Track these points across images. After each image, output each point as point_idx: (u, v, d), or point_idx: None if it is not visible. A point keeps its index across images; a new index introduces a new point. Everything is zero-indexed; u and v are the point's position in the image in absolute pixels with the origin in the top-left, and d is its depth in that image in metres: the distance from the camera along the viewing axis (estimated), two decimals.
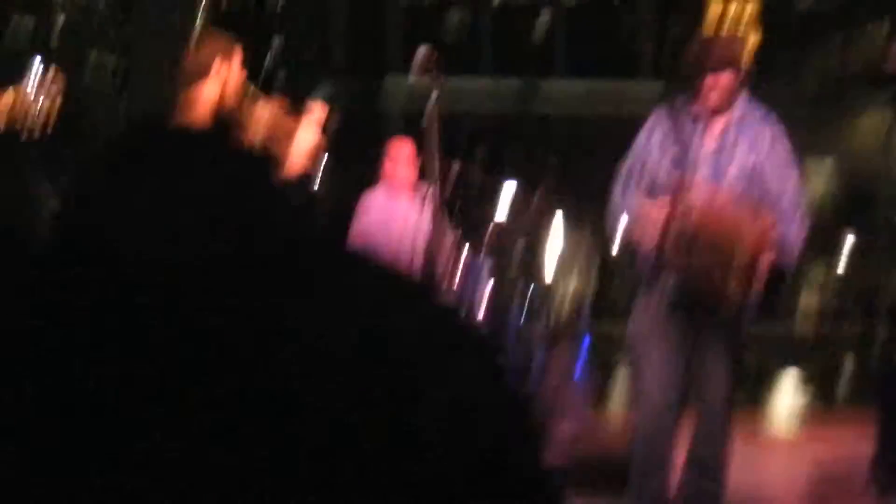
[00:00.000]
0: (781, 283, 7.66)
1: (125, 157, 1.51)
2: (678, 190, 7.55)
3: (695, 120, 7.90)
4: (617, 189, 7.99)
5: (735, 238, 7.43)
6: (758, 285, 7.39)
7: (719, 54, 8.02)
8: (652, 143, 7.95)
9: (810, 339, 36.65)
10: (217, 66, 8.39)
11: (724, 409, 8.05)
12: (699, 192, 7.59)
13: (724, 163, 7.81)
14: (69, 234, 1.35)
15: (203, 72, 8.48)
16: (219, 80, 8.40)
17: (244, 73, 8.50)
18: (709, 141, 7.87)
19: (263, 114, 8.57)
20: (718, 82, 7.85)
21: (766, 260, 7.42)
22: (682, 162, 7.72)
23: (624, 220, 7.91)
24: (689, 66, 8.04)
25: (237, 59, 8.47)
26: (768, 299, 7.54)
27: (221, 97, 8.40)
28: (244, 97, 8.50)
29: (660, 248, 7.64)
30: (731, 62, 7.97)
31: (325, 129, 9.11)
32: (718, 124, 7.91)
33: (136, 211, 1.40)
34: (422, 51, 8.80)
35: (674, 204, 7.50)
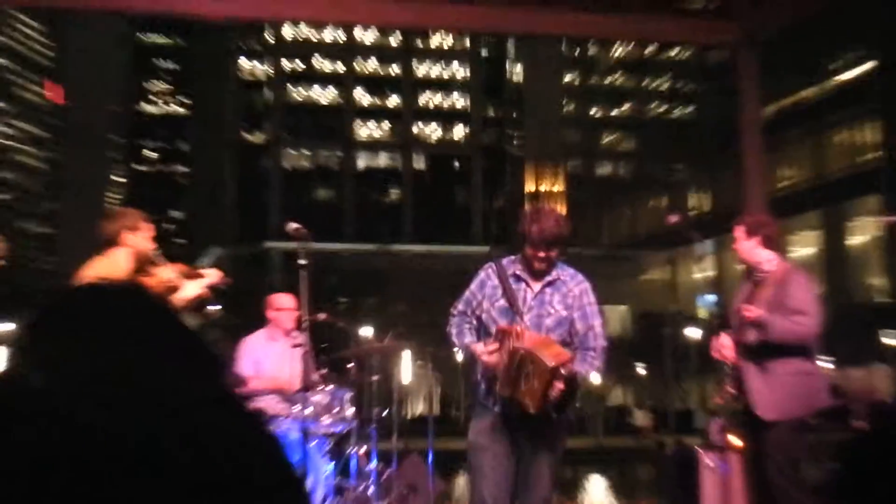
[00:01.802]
0: (570, 402, 7.85)
1: (50, 319, 1.43)
2: (505, 335, 7.73)
3: (519, 279, 8.06)
4: (453, 328, 8.14)
5: (539, 369, 7.64)
6: (552, 403, 7.62)
7: (552, 233, 8.16)
8: (484, 291, 8.08)
9: (612, 451, 36.64)
10: (124, 237, 8.52)
11: None
12: (523, 336, 7.77)
13: (544, 314, 7.99)
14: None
15: (113, 241, 8.62)
16: (127, 249, 8.50)
17: (151, 243, 8.58)
18: (530, 296, 8.03)
19: (164, 275, 8.64)
20: (549, 254, 8.04)
21: (557, 385, 7.61)
22: (510, 310, 7.90)
23: (460, 354, 8.06)
24: (520, 236, 8.16)
25: (144, 231, 8.55)
26: (561, 413, 7.76)
27: (132, 261, 8.47)
28: (149, 262, 8.55)
29: (489, 378, 7.86)
30: (560, 241, 8.12)
31: (216, 287, 9.21)
32: (539, 282, 8.08)
33: (58, 369, 1.34)
34: (291, 223, 9.07)
35: (501, 346, 7.70)
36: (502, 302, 8.04)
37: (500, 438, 7.99)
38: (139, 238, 8.56)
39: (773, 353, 8.69)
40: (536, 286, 8.15)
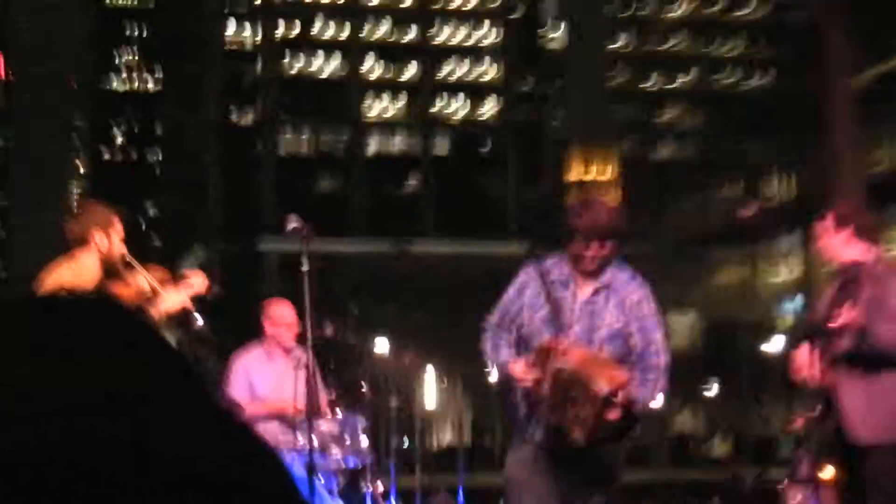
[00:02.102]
0: (629, 432, 7.87)
1: (9, 331, 1.46)
2: (548, 353, 7.72)
3: (566, 281, 8.03)
4: (487, 342, 8.11)
5: (589, 395, 7.64)
6: (606, 435, 7.64)
7: (604, 224, 8.18)
8: (523, 298, 8.07)
9: (679, 485, 36.66)
10: (94, 236, 8.52)
11: None
12: (571, 350, 7.76)
13: (595, 324, 7.98)
14: None
15: (81, 242, 8.61)
16: (97, 250, 8.51)
17: (121, 243, 8.58)
18: (579, 304, 8.01)
19: (139, 281, 8.66)
20: (601, 251, 8.03)
21: (613, 413, 7.61)
22: (554, 321, 7.88)
23: (495, 373, 8.06)
24: (566, 232, 8.15)
25: (116, 229, 8.55)
26: (617, 446, 7.79)
27: (102, 266, 8.48)
28: (122, 267, 8.57)
29: (531, 402, 7.84)
30: (615, 233, 8.13)
31: (202, 297, 9.24)
32: (589, 286, 8.05)
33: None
34: (290, 218, 9.05)
35: (542, 363, 7.68)
36: (545, 311, 8.03)
37: (543, 473, 7.99)
38: (111, 238, 8.56)
39: (871, 366, 8.58)
40: (586, 291, 8.14)
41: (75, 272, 8.39)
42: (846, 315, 8.49)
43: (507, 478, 8.21)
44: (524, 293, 8.14)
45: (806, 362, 8.81)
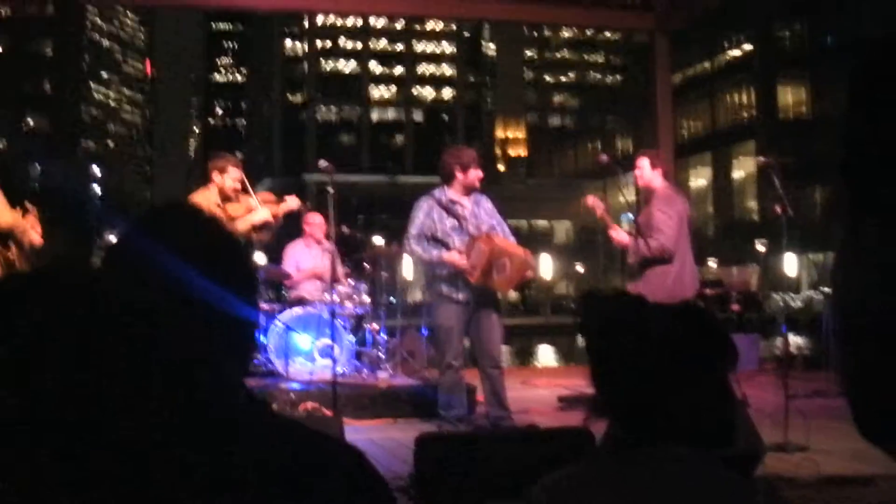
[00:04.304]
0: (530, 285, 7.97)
1: (147, 223, 1.45)
2: (477, 240, 7.72)
3: (453, 202, 8.02)
4: (417, 247, 8.00)
5: (516, 261, 7.72)
6: (520, 284, 7.81)
7: (478, 159, 8.26)
8: (432, 216, 8.01)
9: (556, 326, 36.53)
10: (213, 176, 8.53)
11: (499, 363, 8.22)
12: (493, 237, 7.80)
13: (480, 223, 7.98)
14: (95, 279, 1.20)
15: (206, 178, 8.69)
16: (215, 185, 8.51)
17: (239, 177, 8.55)
18: (467, 213, 8.03)
19: (248, 202, 8.64)
20: (482, 177, 8.12)
21: (528, 273, 7.72)
22: (459, 226, 7.90)
23: (430, 262, 8.02)
24: (459, 166, 8.12)
25: (227, 170, 8.52)
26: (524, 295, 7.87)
27: (219, 195, 8.48)
28: (233, 193, 8.54)
29: (452, 275, 7.82)
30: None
31: (296, 210, 9.27)
32: (468, 202, 8.07)
33: (143, 266, 1.33)
34: (322, 161, 9.05)
35: (469, 250, 7.71)
36: (451, 221, 7.99)
37: (463, 319, 7.96)
38: (225, 178, 8.54)
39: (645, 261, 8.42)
40: (469, 205, 8.11)
41: (200, 198, 8.37)
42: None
43: (438, 325, 8.11)
44: (431, 214, 8.06)
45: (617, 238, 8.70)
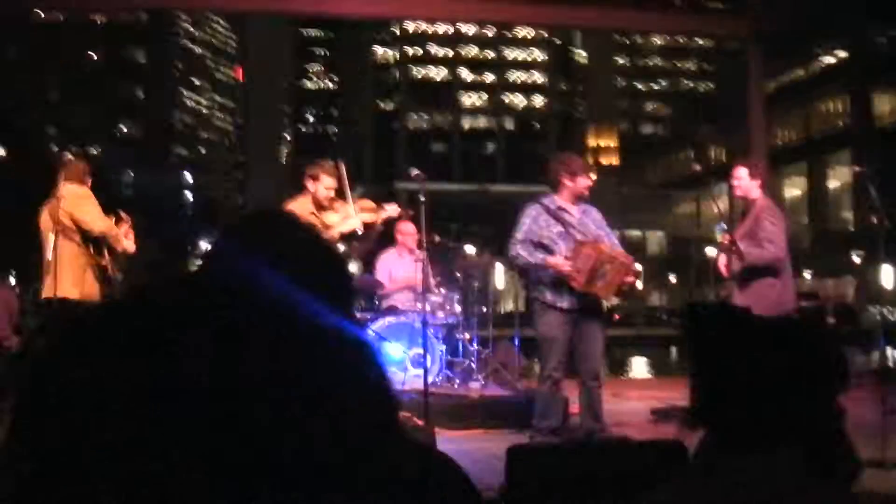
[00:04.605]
0: (632, 292, 7.95)
1: (241, 230, 1.45)
2: (583, 245, 7.73)
3: (562, 209, 8.01)
4: (522, 251, 8.00)
5: (618, 267, 7.72)
6: (623, 292, 7.80)
7: (588, 167, 8.26)
8: (539, 222, 8.00)
9: (650, 337, 36.28)
10: (308, 184, 8.61)
11: (598, 376, 8.19)
12: (598, 244, 7.82)
13: (587, 232, 7.95)
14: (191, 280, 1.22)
15: (302, 185, 8.78)
16: (310, 193, 8.60)
17: (332, 185, 8.62)
18: (575, 221, 8.01)
19: (343, 211, 8.72)
20: (590, 185, 8.10)
21: (630, 277, 7.74)
22: (565, 233, 7.88)
23: (534, 267, 8.00)
24: (567, 174, 8.12)
25: (320, 178, 8.59)
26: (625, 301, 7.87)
27: (313, 204, 8.56)
28: (327, 201, 8.61)
29: (556, 281, 7.81)
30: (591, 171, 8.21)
31: (396, 217, 9.36)
32: (576, 210, 8.06)
33: (241, 269, 1.32)
34: (413, 169, 9.08)
35: (576, 255, 7.70)
36: (559, 227, 7.98)
37: (567, 329, 7.92)
38: (318, 186, 8.60)
39: (750, 273, 8.33)
40: (577, 213, 8.10)
41: (295, 206, 8.43)
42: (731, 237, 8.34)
43: (541, 334, 8.08)
44: (538, 220, 8.05)
45: (721, 264, 8.61)
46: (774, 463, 1.84)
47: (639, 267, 8.22)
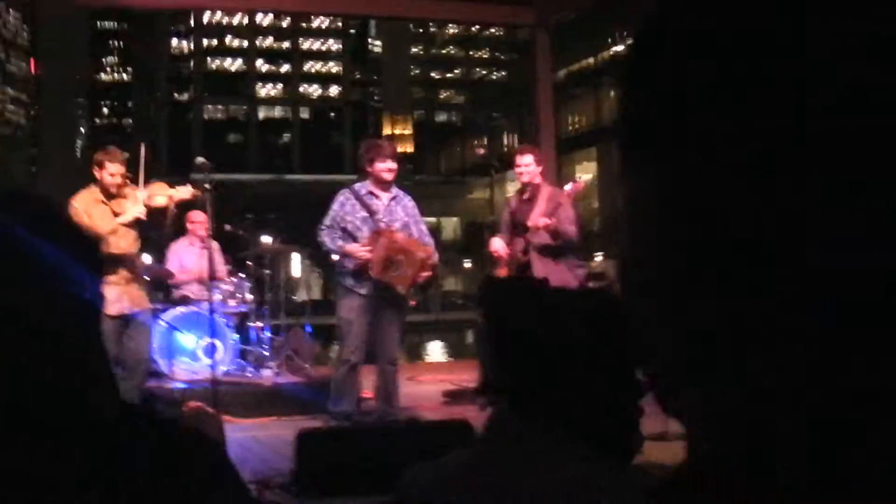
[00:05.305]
0: (428, 288, 8.03)
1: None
2: (380, 235, 7.77)
3: (371, 195, 8.05)
4: (326, 237, 8.07)
5: (412, 260, 7.76)
6: (419, 286, 7.85)
7: (392, 151, 8.25)
8: (345, 209, 8.04)
9: (447, 322, 36.75)
10: (96, 172, 8.41)
11: (395, 360, 8.27)
12: (396, 233, 7.86)
13: (393, 220, 8.00)
14: None
15: (91, 175, 8.57)
16: (98, 183, 8.40)
17: (118, 171, 8.37)
18: (382, 208, 8.05)
19: (133, 195, 8.48)
20: (392, 169, 8.11)
21: (425, 274, 7.77)
22: (369, 220, 7.92)
23: (335, 253, 8.05)
24: (369, 160, 8.14)
25: (109, 165, 8.36)
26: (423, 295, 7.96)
27: (101, 192, 8.34)
28: (114, 188, 8.38)
29: (358, 269, 7.86)
30: (396, 156, 8.21)
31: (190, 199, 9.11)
32: (387, 197, 8.09)
33: None
34: (199, 158, 8.88)
35: (374, 242, 7.74)
36: (363, 213, 8.01)
37: (365, 314, 7.98)
38: (104, 174, 8.38)
39: (557, 252, 8.50)
40: (385, 200, 8.14)
41: (84, 195, 8.28)
42: (539, 219, 8.43)
43: (340, 318, 8.17)
44: (345, 206, 8.09)
45: (499, 247, 8.71)
46: (558, 435, 1.82)
47: (437, 260, 8.30)
